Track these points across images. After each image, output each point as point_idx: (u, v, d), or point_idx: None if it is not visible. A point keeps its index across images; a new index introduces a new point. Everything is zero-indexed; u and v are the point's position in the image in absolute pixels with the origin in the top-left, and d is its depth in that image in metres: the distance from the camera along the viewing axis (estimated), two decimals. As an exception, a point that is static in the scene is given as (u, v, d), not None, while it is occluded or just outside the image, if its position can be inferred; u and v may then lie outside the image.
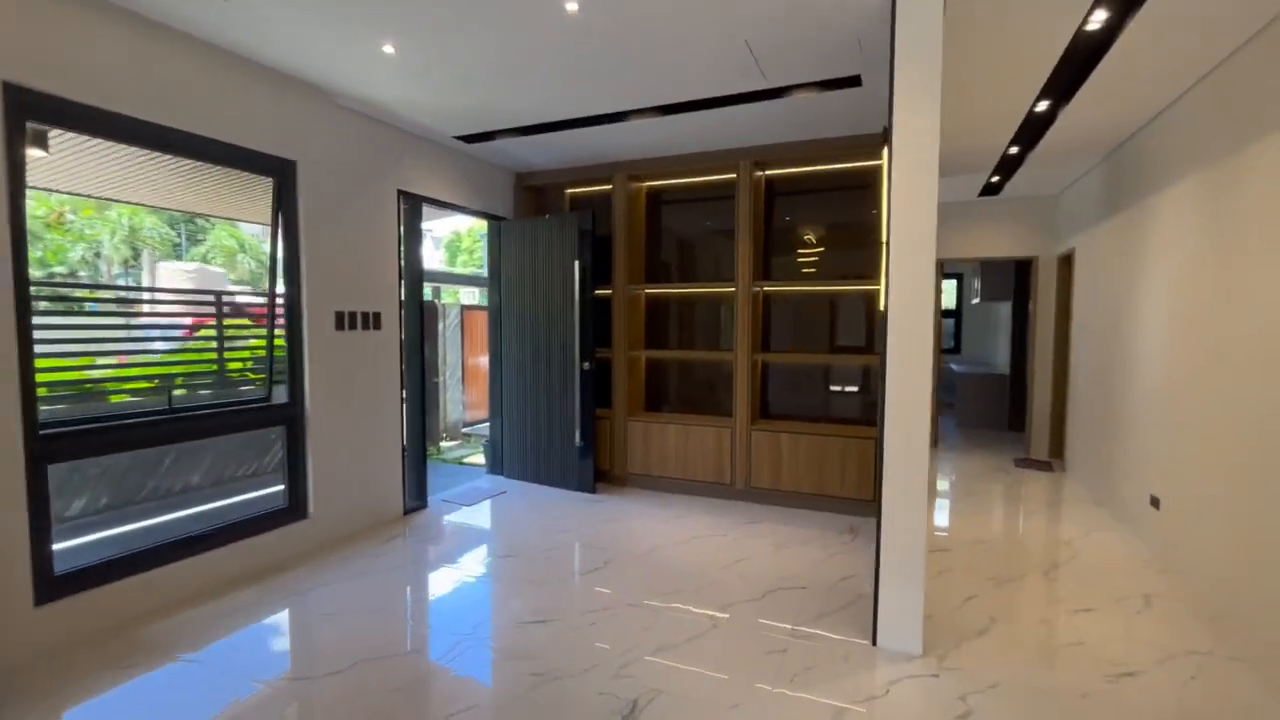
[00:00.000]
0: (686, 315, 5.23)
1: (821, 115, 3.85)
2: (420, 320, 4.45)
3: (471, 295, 10.83)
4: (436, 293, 10.72)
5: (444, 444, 8.31)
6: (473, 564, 3.48)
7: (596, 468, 4.88)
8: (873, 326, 4.55)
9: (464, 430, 9.29)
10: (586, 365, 4.77)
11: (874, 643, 2.54)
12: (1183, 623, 2.76)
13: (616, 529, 4.04)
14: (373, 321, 3.94)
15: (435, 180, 4.48)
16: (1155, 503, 3.51)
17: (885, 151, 2.54)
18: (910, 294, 2.40)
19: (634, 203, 5.05)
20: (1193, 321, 3.12)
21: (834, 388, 4.76)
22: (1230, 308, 2.73)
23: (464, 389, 9.38)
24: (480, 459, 7.00)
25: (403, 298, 4.26)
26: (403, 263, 4.21)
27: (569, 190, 5.52)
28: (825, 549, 3.68)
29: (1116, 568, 3.39)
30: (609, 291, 5.07)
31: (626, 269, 4.98)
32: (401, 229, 4.19)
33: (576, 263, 4.74)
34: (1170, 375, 3.38)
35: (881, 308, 2.55)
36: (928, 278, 2.37)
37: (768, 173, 4.72)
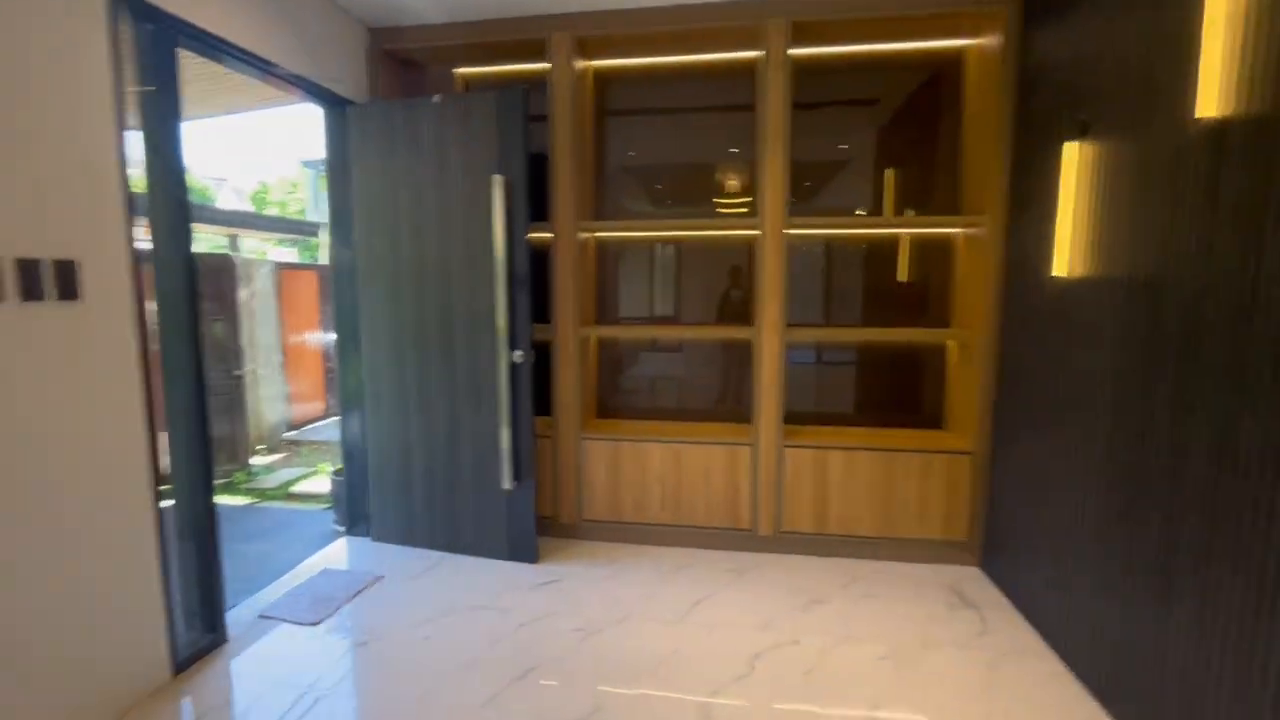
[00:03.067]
0: (671, 272, 3.47)
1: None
2: (189, 278, 2.22)
3: (288, 256, 7.98)
4: (234, 243, 7.61)
5: (258, 460, 5.75)
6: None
7: (535, 514, 3.02)
8: (958, 284, 3.18)
9: (287, 437, 6.69)
10: (519, 355, 2.86)
11: None
12: None
13: (597, 648, 2.28)
14: (54, 281, 1.70)
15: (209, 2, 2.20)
16: None
17: None
18: None
19: (582, 92, 3.13)
20: None
21: (890, 377, 3.37)
22: None
23: (285, 379, 6.73)
24: (319, 484, 4.68)
25: (144, 236, 2.04)
26: (132, 165, 1.95)
27: (464, 70, 3.42)
28: (962, 646, 2.26)
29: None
30: (547, 236, 3.15)
31: (573, 199, 3.08)
32: (126, 88, 1.92)
33: (499, 181, 2.75)
34: None
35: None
36: None
37: (807, 52, 3.06)
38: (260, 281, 6.29)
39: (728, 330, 3.23)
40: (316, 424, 7.20)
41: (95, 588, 1.83)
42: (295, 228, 7.85)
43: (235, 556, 3.33)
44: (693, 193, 3.40)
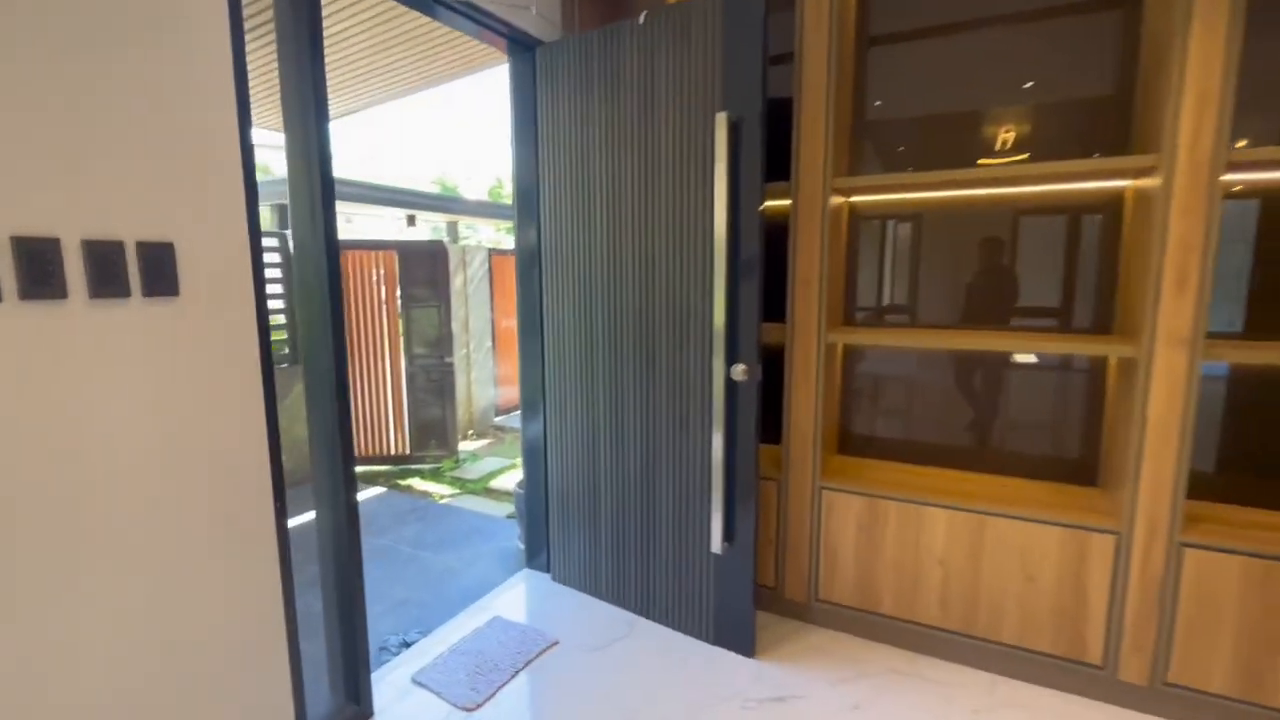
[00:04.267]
0: (978, 251, 2.35)
1: None
2: (332, 267, 1.75)
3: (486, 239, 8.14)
4: (453, 232, 8.02)
5: (466, 446, 5.81)
6: None
7: (755, 586, 2.17)
8: None
9: (496, 423, 6.79)
10: (740, 371, 2.02)
11: None
12: None
13: None
14: (144, 274, 1.27)
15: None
16: None
17: None
18: None
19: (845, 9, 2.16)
20: None
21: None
22: None
23: (496, 363, 6.83)
24: (515, 479, 4.35)
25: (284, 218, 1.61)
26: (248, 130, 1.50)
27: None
28: None
29: None
30: (783, 204, 2.25)
31: (825, 149, 2.13)
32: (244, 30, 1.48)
33: (723, 120, 1.92)
34: None
35: None
36: None
37: None
38: (474, 267, 6.34)
39: (1081, 343, 2.03)
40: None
41: (202, 648, 1.43)
42: (498, 212, 7.98)
43: (419, 568, 3.04)
44: (971, 146, 2.22)
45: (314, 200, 1.70)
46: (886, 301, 2.49)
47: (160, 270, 1.28)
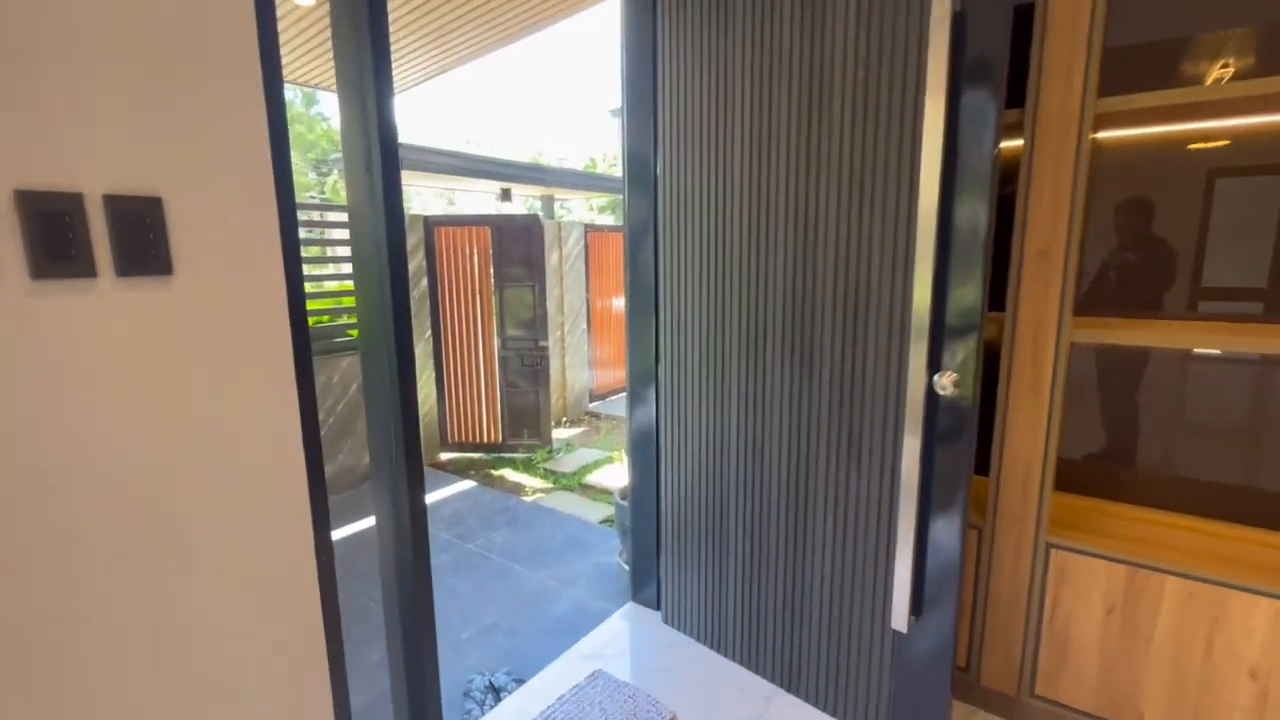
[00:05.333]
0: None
1: None
2: (396, 240, 1.31)
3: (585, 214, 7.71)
4: (548, 207, 7.60)
5: (559, 434, 5.46)
6: None
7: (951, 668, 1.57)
8: None
9: (590, 409, 6.43)
10: (945, 382, 1.40)
11: None
12: None
13: None
14: (118, 242, 0.86)
15: None
16: None
17: None
18: None
19: None
20: None
21: None
22: None
23: (591, 343, 6.45)
24: (614, 475, 3.88)
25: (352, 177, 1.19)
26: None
27: None
28: None
29: None
30: (1017, 143, 1.58)
31: (1090, 50, 1.44)
32: None
33: (945, 17, 1.29)
34: None
35: None
36: None
37: None
38: (570, 244, 5.95)
39: None
40: (619, 395, 6.84)
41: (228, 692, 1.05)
42: (600, 183, 7.49)
43: (510, 585, 2.67)
44: None
45: (371, 158, 1.26)
46: (1138, 283, 1.76)
47: (142, 236, 0.87)
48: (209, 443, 0.98)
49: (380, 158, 1.27)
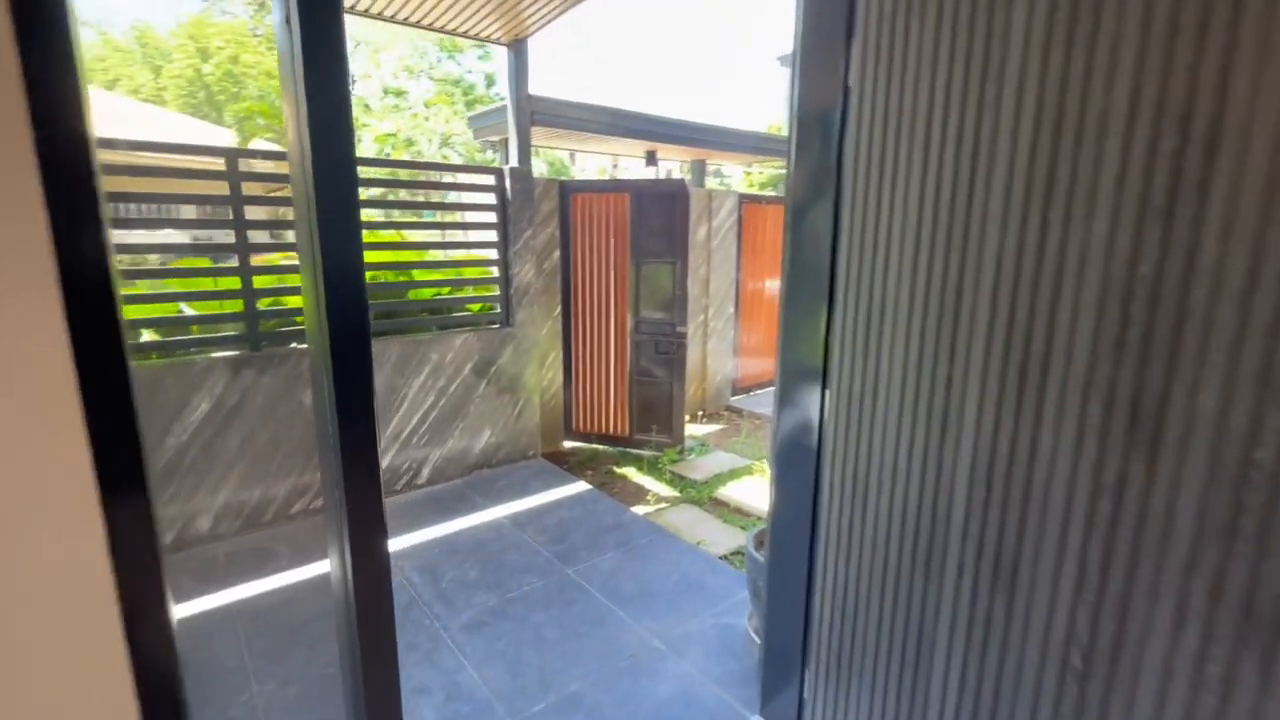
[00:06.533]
0: None
1: None
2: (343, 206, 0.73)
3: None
4: (698, 173, 6.72)
5: (692, 430, 4.79)
6: None
7: None
8: None
9: (731, 404, 5.70)
10: None
11: None
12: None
13: None
14: None
15: None
16: None
17: None
18: None
19: None
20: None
21: None
22: None
23: (737, 330, 5.71)
24: (752, 492, 3.06)
25: None
26: None
27: None
28: None
29: None
30: None
31: None
32: None
33: None
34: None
35: None
36: None
37: None
38: (720, 216, 5.23)
39: None
40: (766, 389, 6.05)
41: None
42: (768, 146, 6.52)
43: (608, 637, 2.11)
44: None
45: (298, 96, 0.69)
46: None
47: None
48: None
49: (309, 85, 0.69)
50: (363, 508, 0.88)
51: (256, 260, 2.85)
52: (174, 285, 2.92)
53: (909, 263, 1.17)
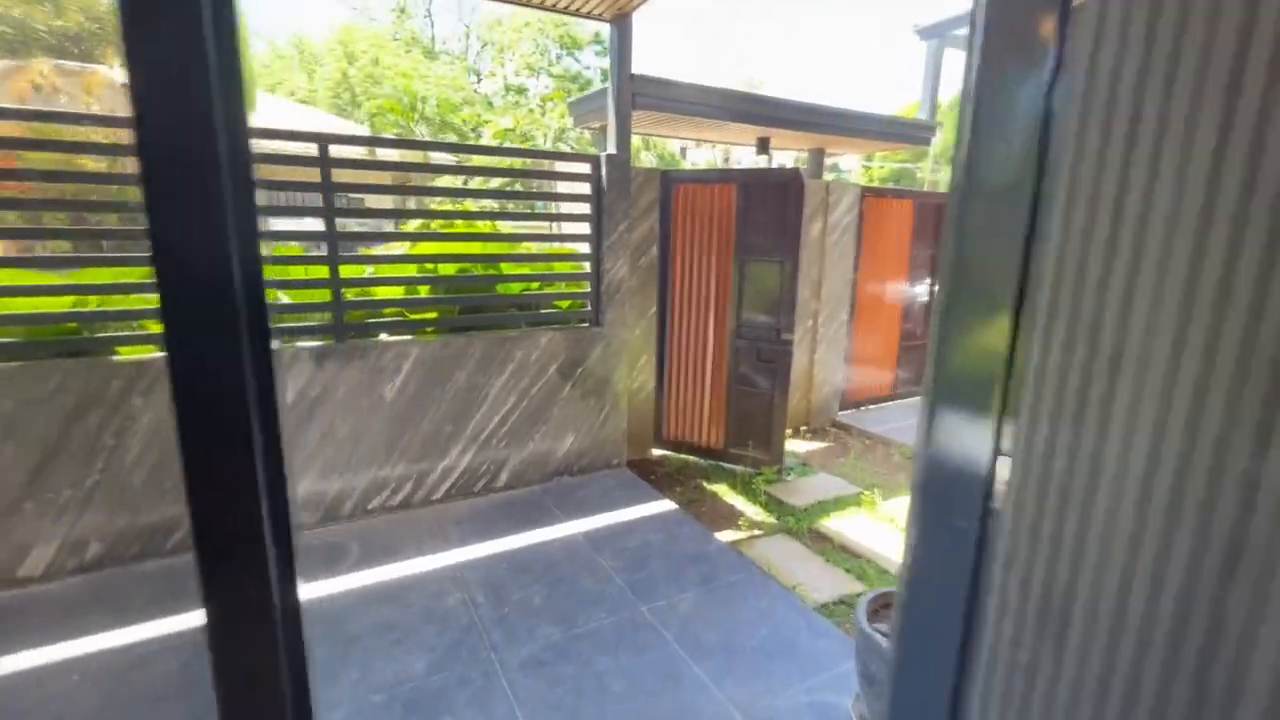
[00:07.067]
0: None
1: None
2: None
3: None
4: (815, 164, 6.05)
5: (793, 447, 4.25)
6: None
7: None
8: None
9: (838, 420, 5.12)
10: None
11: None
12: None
13: None
14: None
15: None
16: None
17: None
18: None
19: None
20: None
21: None
22: None
23: (850, 337, 5.14)
24: (861, 528, 2.44)
25: None
26: None
27: None
28: None
29: None
30: None
31: None
32: None
33: None
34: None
35: None
36: None
37: None
38: (839, 212, 4.70)
39: None
40: (879, 404, 5.43)
41: None
42: (900, 132, 5.75)
43: (680, 701, 1.79)
44: None
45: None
46: None
47: None
48: None
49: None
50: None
51: (364, 251, 2.79)
52: (268, 272, 2.94)
53: (1159, 273, 0.74)
